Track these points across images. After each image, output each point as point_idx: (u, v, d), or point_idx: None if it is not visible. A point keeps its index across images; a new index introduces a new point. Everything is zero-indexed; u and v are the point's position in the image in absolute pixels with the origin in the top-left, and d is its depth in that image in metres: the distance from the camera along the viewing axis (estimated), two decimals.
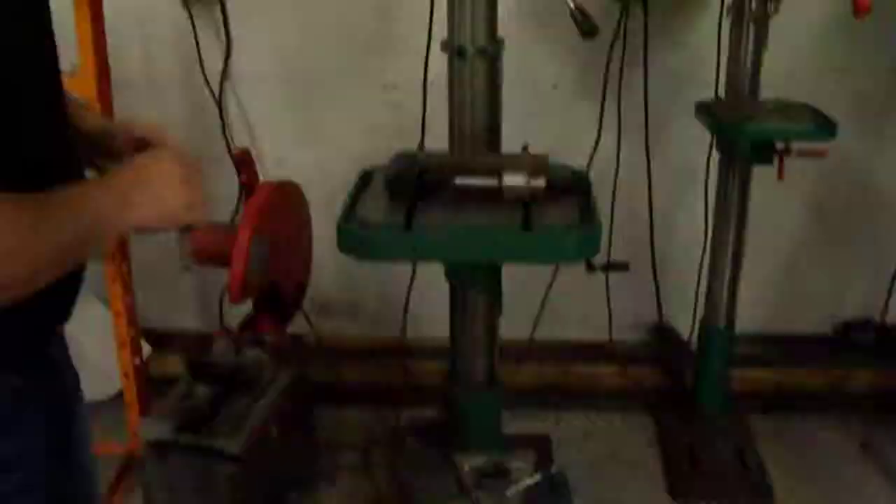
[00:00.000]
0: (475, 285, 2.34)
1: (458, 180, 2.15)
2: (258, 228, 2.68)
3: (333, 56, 3.33)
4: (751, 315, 3.41)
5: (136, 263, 3.19)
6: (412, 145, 3.15)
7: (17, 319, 1.24)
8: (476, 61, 2.40)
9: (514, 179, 2.11)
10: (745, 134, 2.59)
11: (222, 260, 2.72)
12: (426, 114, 2.98)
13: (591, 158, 3.25)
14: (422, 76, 2.99)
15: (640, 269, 3.41)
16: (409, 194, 2.14)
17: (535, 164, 2.20)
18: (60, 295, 1.41)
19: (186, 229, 1.56)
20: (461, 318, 2.59)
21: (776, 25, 3.03)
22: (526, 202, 2.11)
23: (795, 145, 2.70)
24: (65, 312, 1.47)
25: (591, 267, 2.53)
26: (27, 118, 1.30)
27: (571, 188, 2.22)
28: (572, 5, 2.11)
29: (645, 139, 3.26)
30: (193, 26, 3.22)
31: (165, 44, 3.32)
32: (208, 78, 3.32)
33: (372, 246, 2.05)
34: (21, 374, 1.35)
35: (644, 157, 3.28)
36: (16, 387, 1.34)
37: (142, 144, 1.60)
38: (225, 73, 3.34)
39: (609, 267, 2.67)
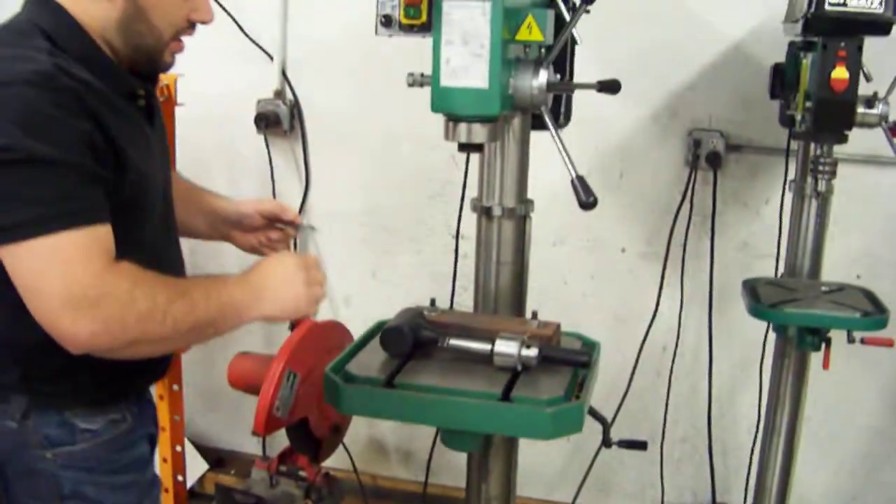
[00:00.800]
0: (464, 448, 2.27)
1: (453, 342, 2.11)
2: (291, 363, 2.72)
3: (408, 200, 3.41)
4: None
5: (203, 386, 3.29)
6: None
7: (137, 370, 1.78)
8: (503, 222, 2.37)
9: (505, 347, 2.05)
10: (780, 319, 2.46)
11: (256, 389, 2.77)
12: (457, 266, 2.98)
13: (650, 327, 3.15)
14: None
15: (700, 444, 3.25)
16: (402, 351, 2.12)
17: (535, 332, 2.14)
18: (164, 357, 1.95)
19: None
20: (476, 476, 2.51)
21: (855, 205, 2.91)
22: (516, 371, 2.05)
23: (860, 333, 2.54)
24: (165, 369, 2.02)
25: (607, 443, 2.41)
26: (149, 228, 1.82)
27: (573, 360, 2.13)
28: (573, 174, 2.06)
29: (709, 310, 3.15)
30: (271, 164, 3.36)
31: (246, 177, 3.47)
32: None
33: (350, 400, 2.02)
34: (136, 405, 1.93)
35: (707, 328, 3.16)
36: (133, 413, 1.90)
37: (271, 219, 2.21)
38: (302, 209, 3.46)
39: (625, 444, 2.53)
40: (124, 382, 1.86)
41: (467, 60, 1.96)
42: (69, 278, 1.56)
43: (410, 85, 2.14)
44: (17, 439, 1.77)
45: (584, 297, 3.30)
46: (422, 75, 2.11)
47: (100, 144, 1.63)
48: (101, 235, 1.62)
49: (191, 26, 1.82)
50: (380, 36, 2.11)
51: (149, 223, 1.83)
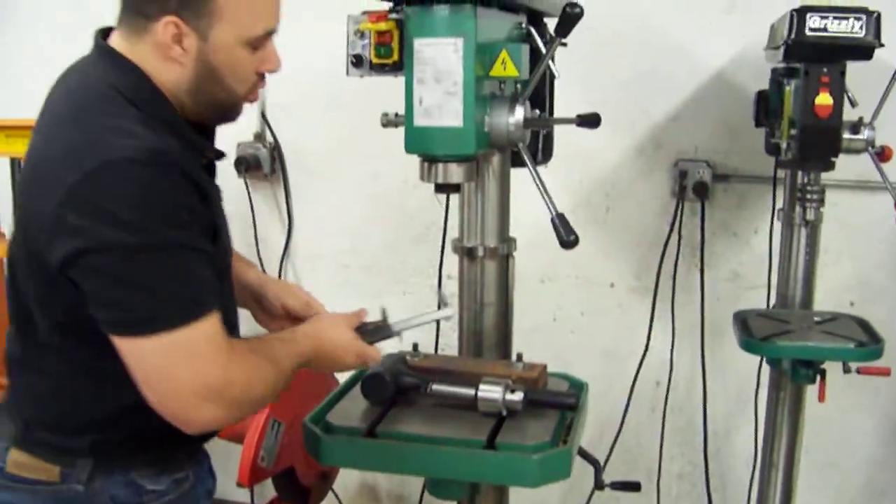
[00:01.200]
0: (450, 497, 2.20)
1: (436, 387, 2.06)
2: (274, 411, 2.65)
3: (392, 241, 3.37)
4: None
5: None
6: None
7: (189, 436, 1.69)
8: (486, 262, 2.32)
9: (489, 392, 1.99)
10: (773, 352, 2.40)
11: (240, 438, 2.70)
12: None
13: (642, 362, 3.10)
14: None
15: (697, 480, 3.19)
16: (383, 399, 2.06)
17: (520, 375, 2.09)
18: None
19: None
20: None
21: (846, 231, 2.87)
22: (501, 416, 1.99)
23: (855, 363, 2.49)
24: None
25: (599, 485, 2.34)
26: (225, 289, 1.79)
27: (559, 403, 2.07)
28: (553, 213, 2.01)
29: (701, 343, 3.10)
30: (252, 208, 3.32)
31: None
32: (269, 256, 3.40)
33: (330, 451, 1.96)
34: (195, 462, 1.88)
35: (700, 361, 3.10)
36: (194, 471, 1.87)
37: (293, 315, 2.07)
38: (285, 253, 3.41)
39: (619, 486, 2.47)
40: (189, 443, 1.82)
41: (440, 99, 1.92)
42: (199, 370, 1.57)
43: (384, 125, 2.09)
44: (84, 502, 1.74)
45: (573, 335, 3.25)
46: (395, 115, 2.07)
47: (204, 219, 1.62)
48: (218, 319, 1.61)
49: (261, 78, 1.78)
50: (351, 77, 2.05)
51: (224, 284, 1.80)
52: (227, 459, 3.56)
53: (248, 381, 1.64)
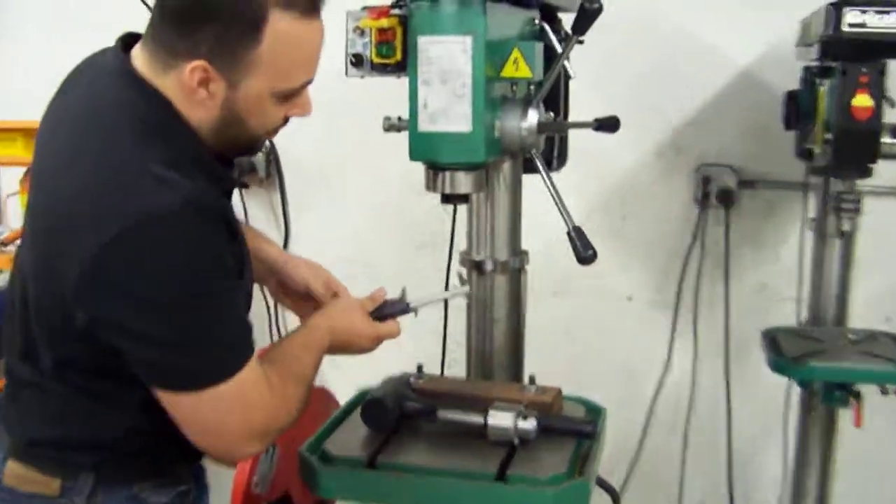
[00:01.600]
0: None
1: (442, 413, 1.91)
2: None
3: (395, 251, 3.25)
4: None
5: None
6: None
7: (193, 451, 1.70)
8: (496, 277, 2.17)
9: (500, 419, 1.85)
10: (806, 375, 2.25)
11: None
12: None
13: (661, 381, 2.96)
14: None
15: None
16: (385, 426, 1.92)
17: (533, 400, 1.94)
18: None
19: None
20: None
21: (880, 240, 2.72)
22: (513, 445, 1.84)
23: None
24: None
25: None
26: None
27: (576, 431, 1.92)
28: (569, 226, 1.87)
29: (725, 360, 2.96)
30: (246, 215, 3.19)
31: None
32: None
33: (328, 483, 1.82)
34: (193, 474, 1.85)
35: (724, 380, 2.97)
36: (194, 480, 1.85)
37: (315, 297, 2.05)
38: None
39: None
40: (192, 458, 1.82)
41: (447, 102, 1.80)
42: (246, 416, 1.62)
43: (387, 130, 1.97)
44: None
45: (589, 351, 3.11)
46: (399, 119, 1.94)
47: (237, 257, 1.62)
48: (256, 358, 1.63)
49: (286, 120, 1.71)
50: (350, 77, 1.92)
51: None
52: (219, 483, 3.44)
53: (287, 411, 1.70)
